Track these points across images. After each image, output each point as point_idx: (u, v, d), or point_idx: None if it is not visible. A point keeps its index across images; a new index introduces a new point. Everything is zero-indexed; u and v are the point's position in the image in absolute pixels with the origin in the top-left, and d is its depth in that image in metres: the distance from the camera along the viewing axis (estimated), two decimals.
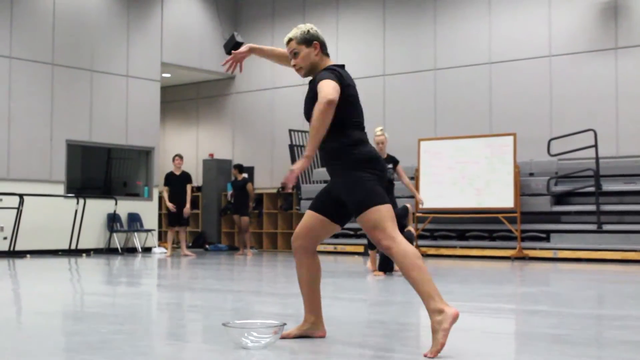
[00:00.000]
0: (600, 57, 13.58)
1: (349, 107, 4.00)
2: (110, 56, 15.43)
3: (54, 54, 14.52)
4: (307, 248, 4.11)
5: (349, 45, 16.48)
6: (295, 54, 4.13)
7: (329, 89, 3.84)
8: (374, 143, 9.98)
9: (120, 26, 15.63)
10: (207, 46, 17.38)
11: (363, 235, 14.78)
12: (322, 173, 15.92)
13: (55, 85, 14.50)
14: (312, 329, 4.16)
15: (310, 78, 4.16)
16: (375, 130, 9.50)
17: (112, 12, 15.51)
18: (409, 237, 9.32)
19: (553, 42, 14.04)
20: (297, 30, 4.13)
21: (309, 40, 4.12)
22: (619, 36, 13.44)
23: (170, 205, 13.95)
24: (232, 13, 18.05)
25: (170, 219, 14.10)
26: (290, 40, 4.15)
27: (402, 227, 9.32)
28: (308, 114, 3.98)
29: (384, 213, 3.83)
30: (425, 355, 3.67)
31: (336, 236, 15.33)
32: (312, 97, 3.98)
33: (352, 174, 3.91)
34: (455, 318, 3.69)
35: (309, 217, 4.10)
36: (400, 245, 3.79)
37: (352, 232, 14.96)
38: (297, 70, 4.17)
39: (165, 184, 14.11)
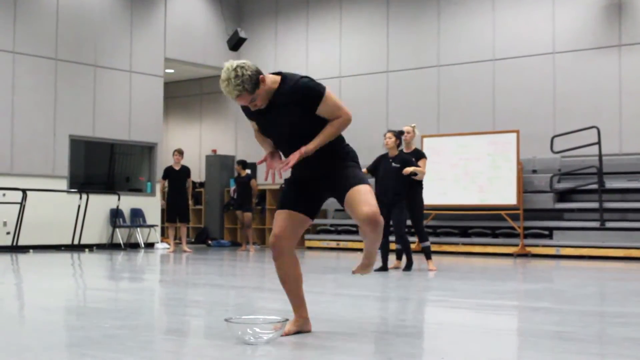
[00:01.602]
0: (604, 54, 13.55)
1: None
2: (113, 51, 15.43)
3: (57, 49, 14.52)
4: (290, 247, 4.15)
5: (352, 41, 16.47)
6: (253, 100, 3.92)
7: (346, 107, 4.02)
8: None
9: (123, 21, 15.63)
10: (211, 42, 17.37)
11: None
12: None
13: (58, 81, 14.51)
14: (304, 324, 4.22)
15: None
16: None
17: (115, 8, 15.51)
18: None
19: (557, 39, 14.02)
20: (238, 79, 3.80)
21: (257, 81, 3.86)
22: (623, 33, 13.41)
23: (162, 202, 14.11)
24: (235, 9, 18.04)
25: (170, 215, 14.07)
26: (239, 95, 3.85)
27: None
28: (293, 128, 4.03)
29: (370, 189, 4.04)
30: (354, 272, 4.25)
31: (339, 232, 15.35)
32: (295, 110, 3.97)
33: (349, 163, 4.12)
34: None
35: (286, 215, 4.12)
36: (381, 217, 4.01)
37: (354, 229, 14.96)
38: (258, 106, 3.97)
39: (164, 177, 14.11)
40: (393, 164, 9.05)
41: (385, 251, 9.24)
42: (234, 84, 3.80)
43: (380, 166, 9.18)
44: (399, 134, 9.25)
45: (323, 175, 4.11)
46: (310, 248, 15.45)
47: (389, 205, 9.00)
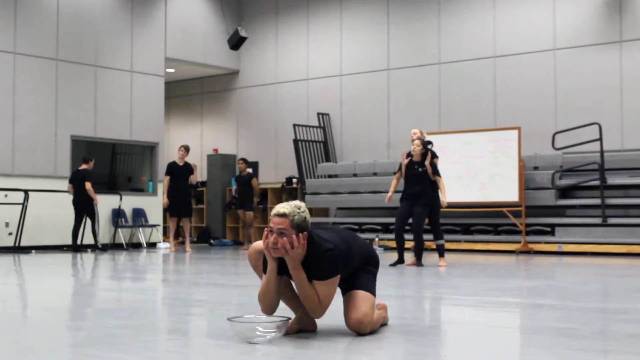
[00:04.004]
0: (605, 50, 13.54)
1: (349, 253, 4.14)
2: (114, 51, 15.44)
3: (58, 50, 14.53)
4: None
5: (353, 39, 16.46)
6: (281, 233, 3.86)
7: (330, 298, 3.99)
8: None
9: (124, 21, 15.63)
10: (211, 41, 17.38)
11: (368, 230, 14.78)
12: (326, 167, 15.93)
13: (59, 81, 14.51)
14: (307, 322, 4.22)
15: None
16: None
17: (116, 7, 15.52)
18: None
19: (558, 36, 14.00)
20: (294, 210, 3.88)
21: (301, 227, 3.88)
22: (624, 29, 13.39)
23: (165, 201, 13.69)
24: (236, 8, 18.04)
25: (172, 209, 13.67)
26: (282, 215, 3.87)
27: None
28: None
29: (369, 298, 4.18)
30: None
31: None
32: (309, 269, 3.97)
33: (370, 268, 4.30)
34: (386, 307, 4.57)
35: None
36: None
37: (356, 227, 14.96)
38: (274, 253, 3.89)
39: (167, 173, 13.81)
40: (417, 168, 9.81)
41: (401, 247, 9.94)
42: (289, 208, 3.88)
43: (408, 170, 9.91)
44: (426, 143, 9.96)
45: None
46: None
47: (412, 204, 9.76)
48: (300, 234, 3.87)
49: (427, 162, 9.74)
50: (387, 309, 4.53)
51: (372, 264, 4.29)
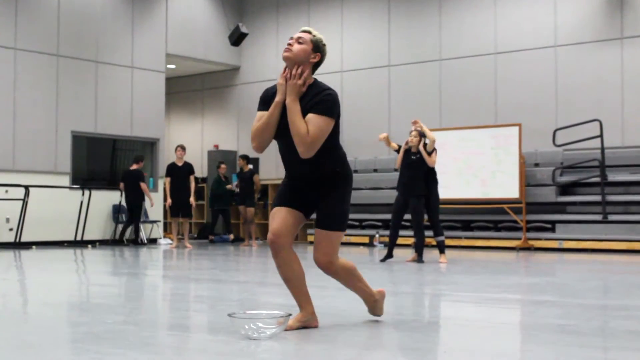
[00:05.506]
0: (606, 47, 13.53)
1: (337, 130, 4.23)
2: (115, 47, 15.43)
3: (59, 45, 14.52)
4: (289, 244, 4.17)
5: (354, 35, 16.45)
6: (298, 41, 4.17)
7: (319, 135, 4.04)
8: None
9: (125, 17, 15.62)
10: (212, 37, 17.36)
11: (368, 227, 14.78)
12: None
13: (60, 77, 14.50)
14: (310, 320, 4.21)
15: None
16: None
17: (116, 3, 15.50)
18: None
19: (559, 32, 13.99)
20: (319, 34, 4.26)
21: (318, 48, 4.19)
22: (625, 26, 13.38)
23: (168, 201, 14.09)
24: (237, 4, 18.02)
25: (173, 210, 14.15)
26: (307, 32, 4.22)
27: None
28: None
29: (340, 240, 4.26)
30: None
31: None
32: (307, 104, 4.11)
33: (346, 187, 4.23)
34: (384, 294, 4.57)
35: (284, 212, 4.17)
36: (340, 261, 4.26)
37: (357, 223, 14.96)
38: (285, 51, 4.15)
39: (167, 174, 14.16)
40: (412, 157, 9.90)
41: (393, 242, 9.94)
42: (312, 31, 4.22)
43: (404, 159, 10.00)
44: (423, 134, 10.08)
45: (317, 190, 4.20)
46: (312, 243, 15.44)
47: (406, 197, 9.82)
48: (305, 72, 4.10)
49: (420, 146, 9.87)
50: (384, 297, 4.56)
51: (341, 177, 4.20)
